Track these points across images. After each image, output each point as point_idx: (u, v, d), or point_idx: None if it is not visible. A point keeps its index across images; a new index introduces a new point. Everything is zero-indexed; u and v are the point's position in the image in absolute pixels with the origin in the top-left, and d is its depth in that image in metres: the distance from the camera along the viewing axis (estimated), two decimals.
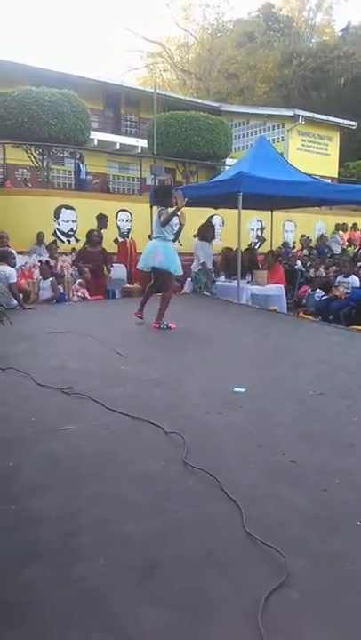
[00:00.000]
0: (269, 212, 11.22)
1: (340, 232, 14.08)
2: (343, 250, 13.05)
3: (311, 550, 1.64)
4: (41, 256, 8.99)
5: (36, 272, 7.98)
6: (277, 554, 1.58)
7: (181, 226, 5.68)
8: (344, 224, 14.34)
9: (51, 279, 7.76)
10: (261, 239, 13.15)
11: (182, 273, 5.98)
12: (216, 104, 22.98)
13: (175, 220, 5.79)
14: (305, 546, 1.66)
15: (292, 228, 13.86)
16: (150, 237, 6.14)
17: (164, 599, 1.42)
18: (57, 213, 10.74)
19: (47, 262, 8.07)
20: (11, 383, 3.46)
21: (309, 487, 2.05)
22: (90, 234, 8.51)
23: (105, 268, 8.65)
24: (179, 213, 5.60)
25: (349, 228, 14.29)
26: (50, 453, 2.37)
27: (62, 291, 8.39)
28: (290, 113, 20.06)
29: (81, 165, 14.83)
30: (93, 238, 8.43)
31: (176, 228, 5.54)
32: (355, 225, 14.50)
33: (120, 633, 1.31)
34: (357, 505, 1.92)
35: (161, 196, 5.74)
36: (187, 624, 1.34)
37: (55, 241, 9.91)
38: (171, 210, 5.52)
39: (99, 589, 1.46)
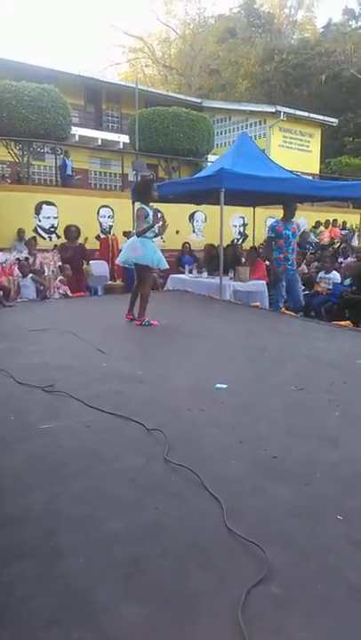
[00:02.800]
0: (252, 209, 11.26)
1: (322, 228, 14.20)
2: (323, 245, 13.16)
3: (293, 544, 1.65)
4: (22, 253, 8.90)
5: (17, 269, 7.90)
6: (259, 548, 1.59)
7: (160, 232, 5.65)
8: (327, 221, 14.47)
9: (30, 275, 7.68)
10: (244, 235, 13.20)
11: (167, 267, 5.92)
12: (198, 100, 22.99)
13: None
14: (287, 540, 1.67)
15: None
16: (125, 234, 6.10)
17: (147, 596, 1.42)
18: (38, 209, 10.65)
19: (26, 259, 7.98)
20: None
21: (291, 481, 2.06)
22: (67, 228, 8.47)
23: (85, 264, 8.59)
24: (156, 229, 5.54)
25: (330, 224, 14.42)
26: (31, 452, 2.34)
27: (42, 288, 8.33)
28: (272, 109, 20.15)
29: (67, 161, 14.74)
30: (70, 233, 8.36)
31: (156, 230, 5.49)
32: (335, 221, 14.63)
33: (102, 630, 1.30)
34: (339, 498, 1.94)
35: (141, 191, 5.69)
36: (169, 620, 1.33)
37: (34, 237, 9.81)
38: (149, 209, 5.51)
39: (81, 587, 1.45)
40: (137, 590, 1.44)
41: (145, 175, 14.60)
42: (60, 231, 10.54)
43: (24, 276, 7.64)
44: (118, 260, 5.95)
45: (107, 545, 1.64)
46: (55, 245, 9.99)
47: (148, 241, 5.49)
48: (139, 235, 5.40)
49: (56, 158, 15.13)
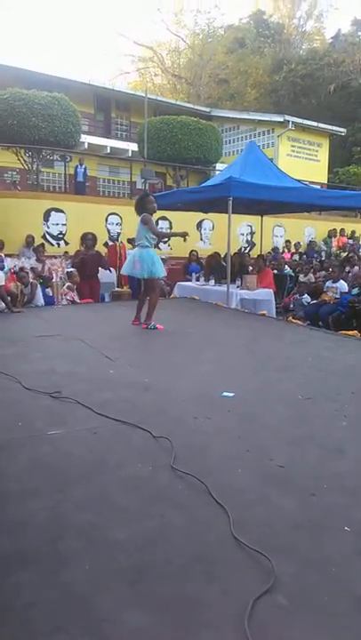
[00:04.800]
0: (259, 217, 11.28)
1: (332, 238, 14.21)
2: (333, 255, 13.16)
3: (299, 555, 1.64)
4: (30, 259, 8.93)
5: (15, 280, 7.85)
6: (265, 559, 1.58)
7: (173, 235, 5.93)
8: (334, 230, 14.47)
9: (31, 281, 7.67)
10: (251, 244, 13.21)
11: (164, 275, 6.02)
12: (207, 109, 23.10)
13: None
14: (293, 550, 1.66)
15: (282, 233, 13.95)
16: (129, 241, 6.18)
17: (151, 604, 1.41)
18: (46, 216, 10.71)
19: (21, 269, 7.90)
20: None
21: (298, 492, 2.05)
22: (84, 237, 8.37)
23: (100, 271, 8.58)
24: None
25: (338, 234, 14.41)
26: (37, 458, 2.35)
27: (51, 294, 8.36)
28: (280, 119, 20.20)
29: (79, 168, 14.85)
30: (88, 242, 8.32)
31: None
32: (342, 230, 14.63)
33: (105, 638, 1.29)
34: (345, 509, 1.92)
35: (138, 205, 5.78)
36: (173, 629, 1.33)
37: (42, 244, 9.85)
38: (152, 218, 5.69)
39: (85, 594, 1.45)
40: (141, 598, 1.44)
41: (153, 183, 14.68)
42: (69, 238, 10.60)
43: (25, 285, 7.61)
44: (122, 271, 6.10)
45: (111, 552, 1.63)
46: (65, 252, 10.03)
47: (145, 252, 5.61)
48: (161, 238, 5.64)
49: (65, 166, 15.23)
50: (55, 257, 9.71)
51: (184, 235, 6.22)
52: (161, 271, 5.83)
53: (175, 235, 6.11)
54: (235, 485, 2.10)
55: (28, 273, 7.88)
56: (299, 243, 13.70)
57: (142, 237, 5.61)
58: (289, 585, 1.49)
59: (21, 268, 7.95)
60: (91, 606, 1.40)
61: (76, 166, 15.13)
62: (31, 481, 2.13)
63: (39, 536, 1.73)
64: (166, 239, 6.14)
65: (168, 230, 11.19)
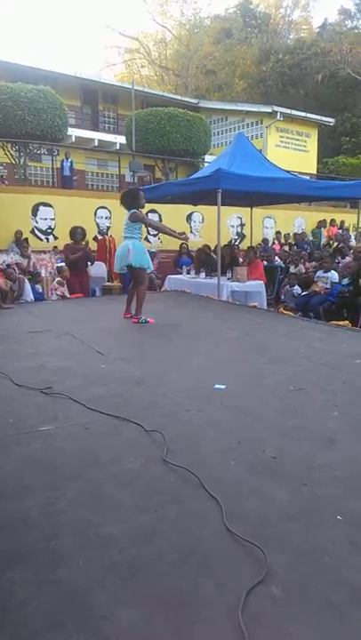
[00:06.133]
0: (249, 209, 11.26)
1: (322, 229, 14.22)
2: (323, 245, 13.18)
3: (292, 545, 1.65)
4: (16, 255, 8.85)
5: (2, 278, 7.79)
6: (258, 550, 1.59)
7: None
8: (324, 220, 14.48)
9: (19, 277, 7.62)
10: (241, 235, 13.21)
11: (152, 269, 6.02)
12: (194, 100, 23.01)
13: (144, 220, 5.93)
14: (286, 541, 1.67)
15: (272, 224, 13.95)
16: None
17: (146, 599, 1.42)
18: (34, 211, 10.63)
19: (8, 265, 7.84)
20: None
21: (290, 482, 2.06)
22: (73, 230, 8.30)
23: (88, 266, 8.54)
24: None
25: (328, 224, 14.43)
26: (29, 454, 2.34)
27: (41, 290, 8.31)
28: (268, 109, 20.18)
29: (65, 162, 14.76)
30: (77, 235, 8.26)
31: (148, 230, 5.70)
32: (333, 221, 14.65)
33: (101, 634, 1.30)
34: (338, 499, 1.94)
35: (130, 200, 5.73)
36: (168, 623, 1.33)
37: (26, 239, 9.76)
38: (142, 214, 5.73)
39: (80, 590, 1.45)
40: (136, 594, 1.44)
41: (142, 176, 14.61)
42: (57, 232, 10.53)
43: (13, 281, 7.55)
44: (115, 269, 6.11)
45: (105, 548, 1.63)
46: (55, 247, 9.97)
47: (138, 243, 5.63)
48: (159, 231, 5.65)
49: (53, 159, 15.12)
50: (44, 252, 9.65)
51: (185, 238, 6.26)
52: (150, 264, 5.84)
53: (174, 236, 6.11)
54: (227, 477, 2.10)
55: (15, 269, 7.82)
56: (289, 234, 13.70)
57: (133, 231, 5.60)
58: (282, 575, 1.50)
59: (10, 264, 7.89)
60: (86, 602, 1.40)
61: (63, 160, 15.04)
62: (24, 478, 2.12)
63: (33, 533, 1.73)
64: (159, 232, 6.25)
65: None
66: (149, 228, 5.66)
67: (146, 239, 5.96)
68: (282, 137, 20.81)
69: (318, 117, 21.66)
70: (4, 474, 2.17)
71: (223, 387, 3.28)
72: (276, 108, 20.06)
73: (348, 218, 15.21)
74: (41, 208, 10.66)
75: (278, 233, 13.65)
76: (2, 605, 1.40)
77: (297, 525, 1.77)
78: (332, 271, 8.57)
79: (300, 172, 13.70)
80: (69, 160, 15.08)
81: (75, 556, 1.60)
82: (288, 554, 1.61)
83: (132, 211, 5.60)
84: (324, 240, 13.81)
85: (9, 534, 1.73)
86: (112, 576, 1.51)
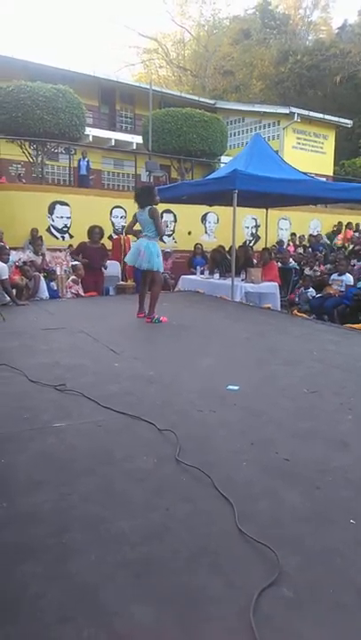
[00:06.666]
0: (264, 210, 11.23)
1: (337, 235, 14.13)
2: (338, 247, 13.09)
3: (304, 547, 1.65)
4: (31, 252, 8.91)
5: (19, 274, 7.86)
6: (270, 551, 1.59)
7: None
8: (340, 223, 14.38)
9: (34, 274, 7.68)
10: (256, 237, 13.17)
11: (161, 270, 5.96)
12: (212, 101, 22.97)
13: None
14: (298, 543, 1.67)
15: (287, 226, 13.89)
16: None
17: (157, 596, 1.42)
18: (51, 209, 10.70)
19: (25, 263, 7.91)
20: (3, 380, 3.44)
21: (303, 485, 2.05)
22: (91, 230, 8.31)
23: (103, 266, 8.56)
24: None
25: (344, 227, 14.33)
26: (43, 450, 2.36)
27: (56, 287, 8.37)
28: (285, 111, 20.07)
29: (81, 161, 14.85)
30: (94, 235, 8.28)
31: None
32: (349, 224, 14.54)
33: (112, 629, 1.31)
34: (350, 502, 1.93)
35: (145, 196, 5.73)
36: (178, 621, 1.34)
37: (40, 237, 9.83)
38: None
39: (91, 586, 1.46)
40: (147, 590, 1.45)
41: (158, 176, 14.63)
42: (73, 231, 10.59)
43: (29, 279, 7.62)
44: (126, 259, 6.09)
45: (117, 545, 1.64)
46: (70, 245, 10.03)
47: (152, 244, 5.64)
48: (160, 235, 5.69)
49: (70, 158, 15.21)
50: (60, 250, 9.71)
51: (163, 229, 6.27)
52: (160, 265, 5.79)
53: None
54: (240, 478, 2.10)
55: (30, 266, 7.89)
56: (303, 236, 13.63)
57: (151, 228, 5.60)
58: (294, 577, 1.50)
59: (26, 262, 7.96)
60: (97, 598, 1.41)
61: (80, 160, 15.12)
62: (37, 473, 2.14)
63: (46, 528, 1.74)
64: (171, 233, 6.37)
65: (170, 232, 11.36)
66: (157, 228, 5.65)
67: (160, 239, 5.95)
68: (299, 138, 20.71)
69: (336, 119, 21.50)
70: (17, 469, 2.19)
71: (237, 387, 3.28)
72: (293, 110, 19.96)
73: None
74: (57, 206, 10.73)
75: (293, 235, 13.58)
76: (15, 599, 1.41)
77: (309, 527, 1.76)
78: (347, 274, 8.51)
79: (316, 174, 13.64)
80: (86, 159, 15.16)
81: (86, 552, 1.61)
82: (299, 555, 1.60)
83: (151, 206, 5.60)
84: (338, 242, 13.70)
85: (21, 528, 1.75)
86: (123, 572, 1.51)
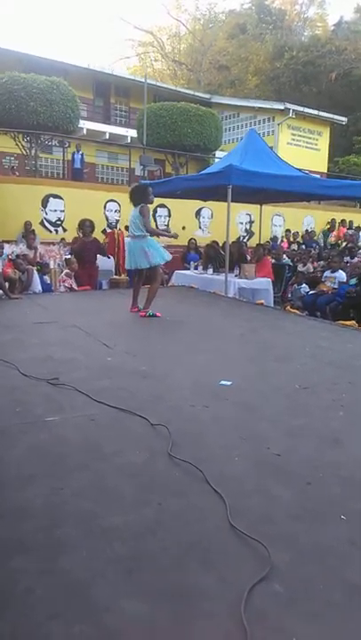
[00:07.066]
0: (258, 206, 11.22)
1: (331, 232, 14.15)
2: (332, 245, 13.13)
3: (295, 543, 1.65)
4: (25, 246, 8.87)
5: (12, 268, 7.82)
6: (261, 547, 1.59)
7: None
8: (333, 219, 14.40)
9: (27, 268, 7.64)
10: (250, 233, 13.17)
11: (170, 258, 5.95)
12: (207, 96, 22.89)
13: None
14: (289, 539, 1.67)
15: (281, 222, 13.90)
16: (127, 228, 6.15)
17: (148, 592, 1.42)
18: (44, 203, 10.64)
19: (17, 256, 7.87)
20: None
21: (294, 480, 2.06)
22: (82, 223, 8.26)
23: (98, 258, 8.52)
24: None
25: (338, 224, 14.36)
26: (35, 444, 2.35)
27: (49, 281, 8.33)
28: (280, 106, 20.06)
29: (76, 155, 14.76)
30: (86, 228, 8.24)
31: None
32: (343, 221, 14.57)
33: (103, 625, 1.30)
34: (341, 498, 1.93)
35: (139, 195, 5.70)
36: (170, 617, 1.33)
37: (33, 230, 9.77)
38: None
39: (82, 581, 1.45)
40: (138, 586, 1.44)
41: (152, 170, 14.58)
42: (67, 224, 10.54)
43: (22, 272, 7.57)
44: (127, 266, 6.05)
45: (108, 540, 1.64)
46: (62, 239, 9.98)
47: (151, 241, 5.63)
48: (152, 235, 5.65)
49: (64, 151, 15.10)
50: (53, 244, 9.66)
51: (175, 236, 6.29)
52: (167, 254, 5.81)
53: (166, 236, 6.17)
54: (232, 473, 2.10)
55: (23, 260, 7.85)
56: (297, 232, 13.65)
57: (140, 228, 5.57)
58: (285, 573, 1.50)
59: (19, 255, 7.91)
60: (88, 594, 1.40)
61: (73, 153, 15.03)
62: (29, 467, 2.13)
63: (37, 523, 1.73)
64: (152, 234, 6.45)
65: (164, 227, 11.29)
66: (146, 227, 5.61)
67: (151, 236, 5.93)
68: (293, 134, 20.70)
69: (331, 116, 21.52)
70: (9, 463, 2.18)
71: (229, 383, 3.28)
72: (288, 106, 19.95)
73: (358, 218, 15.14)
74: (51, 200, 10.67)
75: (288, 231, 13.59)
76: (4, 595, 1.40)
77: (300, 524, 1.76)
78: (340, 271, 8.53)
79: (310, 171, 13.63)
80: (80, 152, 15.07)
81: (77, 547, 1.60)
82: (291, 552, 1.60)
83: (142, 204, 5.58)
84: (332, 239, 13.74)
85: (12, 523, 1.74)
86: (115, 568, 1.51)
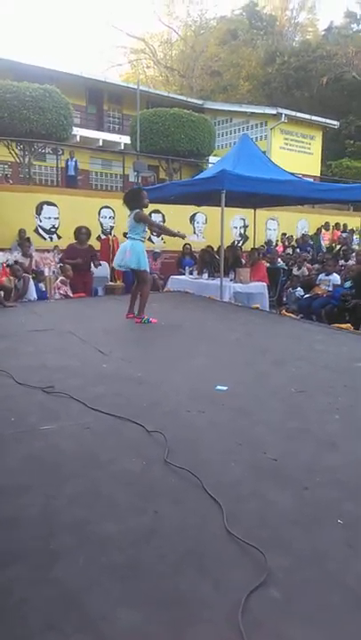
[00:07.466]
0: (252, 211, 11.26)
1: (323, 230, 14.20)
2: (324, 248, 13.17)
3: (292, 549, 1.64)
4: (20, 254, 8.87)
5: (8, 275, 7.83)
6: (258, 553, 1.58)
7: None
8: (327, 223, 14.45)
9: (24, 275, 7.64)
10: (244, 237, 13.20)
11: (147, 269, 5.89)
12: (199, 101, 23.01)
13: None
14: (286, 544, 1.66)
15: (275, 226, 13.95)
16: (125, 235, 6.17)
17: (144, 600, 1.41)
18: (39, 210, 10.64)
19: (15, 262, 7.88)
20: None
21: (291, 485, 2.05)
22: (78, 230, 8.22)
23: (92, 266, 8.51)
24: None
25: (332, 228, 14.41)
26: (30, 453, 2.33)
27: (44, 289, 8.32)
28: (273, 111, 20.16)
29: (69, 162, 14.80)
30: (81, 236, 8.22)
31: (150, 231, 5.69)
32: (337, 224, 14.63)
33: (99, 634, 1.29)
34: (338, 503, 1.93)
35: (133, 200, 5.70)
36: (167, 624, 1.32)
37: (28, 238, 9.77)
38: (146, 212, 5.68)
39: (78, 590, 1.44)
40: (135, 594, 1.43)
41: (146, 176, 14.61)
42: (61, 231, 10.54)
43: (18, 279, 7.57)
44: (114, 264, 6.08)
45: (104, 548, 1.63)
46: (56, 246, 9.97)
47: (137, 243, 5.60)
48: (164, 233, 5.67)
49: (58, 159, 15.13)
50: (47, 251, 9.65)
51: (183, 236, 6.31)
52: (146, 264, 5.74)
53: (175, 235, 6.18)
54: (228, 479, 2.10)
55: (20, 267, 7.85)
56: (292, 236, 13.69)
57: (136, 231, 5.58)
58: (282, 579, 1.49)
59: (15, 262, 7.92)
60: (84, 603, 1.39)
61: (67, 160, 15.07)
62: (24, 476, 2.11)
63: (31, 531, 1.72)
64: (161, 233, 6.49)
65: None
66: (153, 229, 5.62)
67: (149, 239, 5.96)
68: (286, 139, 20.81)
69: (323, 120, 21.65)
70: (4, 472, 2.16)
71: (225, 388, 3.27)
72: (280, 110, 20.06)
73: (351, 221, 15.20)
74: (45, 207, 10.68)
75: (283, 235, 13.63)
76: (0, 603, 1.39)
77: (297, 528, 1.76)
78: (335, 274, 8.56)
79: (303, 175, 13.70)
80: (74, 160, 15.11)
81: (73, 556, 1.59)
82: (288, 557, 1.60)
83: (135, 211, 5.59)
84: (325, 243, 13.78)
85: (7, 532, 1.72)
86: (111, 576, 1.50)
